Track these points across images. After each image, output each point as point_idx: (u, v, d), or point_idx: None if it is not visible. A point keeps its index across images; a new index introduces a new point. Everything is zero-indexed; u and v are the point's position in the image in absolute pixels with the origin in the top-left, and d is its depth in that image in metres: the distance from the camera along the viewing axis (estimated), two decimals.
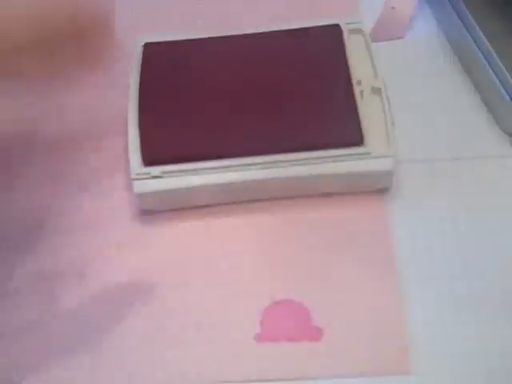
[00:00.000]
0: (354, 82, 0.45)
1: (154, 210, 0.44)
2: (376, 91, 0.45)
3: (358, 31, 0.48)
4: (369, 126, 0.43)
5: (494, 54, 0.46)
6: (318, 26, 0.48)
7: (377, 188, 0.44)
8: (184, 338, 0.39)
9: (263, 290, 0.41)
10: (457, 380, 0.37)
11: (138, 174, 0.42)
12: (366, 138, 0.42)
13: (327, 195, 0.44)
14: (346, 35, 0.47)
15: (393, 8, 0.52)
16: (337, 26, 0.48)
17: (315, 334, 0.39)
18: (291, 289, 0.41)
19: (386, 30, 0.52)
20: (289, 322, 0.40)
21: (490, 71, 0.46)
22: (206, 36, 0.49)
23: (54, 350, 0.39)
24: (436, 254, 0.42)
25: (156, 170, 0.42)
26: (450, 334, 0.39)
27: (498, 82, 0.46)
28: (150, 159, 0.43)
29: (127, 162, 0.43)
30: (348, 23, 0.48)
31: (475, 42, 0.48)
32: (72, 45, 0.51)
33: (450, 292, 0.40)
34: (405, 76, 0.49)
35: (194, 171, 0.42)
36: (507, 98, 0.45)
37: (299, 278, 0.41)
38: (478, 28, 0.47)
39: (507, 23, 0.47)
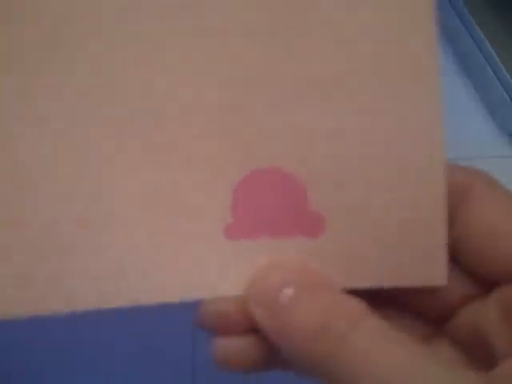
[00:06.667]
0: None
1: None
2: None
3: None
4: None
5: (494, 54, 0.46)
6: None
7: None
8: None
9: (233, 158, 0.26)
10: None
11: None
12: None
13: None
14: None
15: None
16: None
17: (315, 226, 0.25)
18: (276, 151, 0.25)
19: None
20: (274, 207, 0.27)
21: (490, 71, 0.47)
22: None
23: None
24: None
25: None
26: None
27: (498, 82, 0.46)
28: None
29: None
30: None
31: (475, 42, 0.48)
32: None
33: None
34: None
35: None
36: (507, 98, 0.45)
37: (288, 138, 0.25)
38: (478, 28, 0.47)
39: (507, 24, 0.48)
